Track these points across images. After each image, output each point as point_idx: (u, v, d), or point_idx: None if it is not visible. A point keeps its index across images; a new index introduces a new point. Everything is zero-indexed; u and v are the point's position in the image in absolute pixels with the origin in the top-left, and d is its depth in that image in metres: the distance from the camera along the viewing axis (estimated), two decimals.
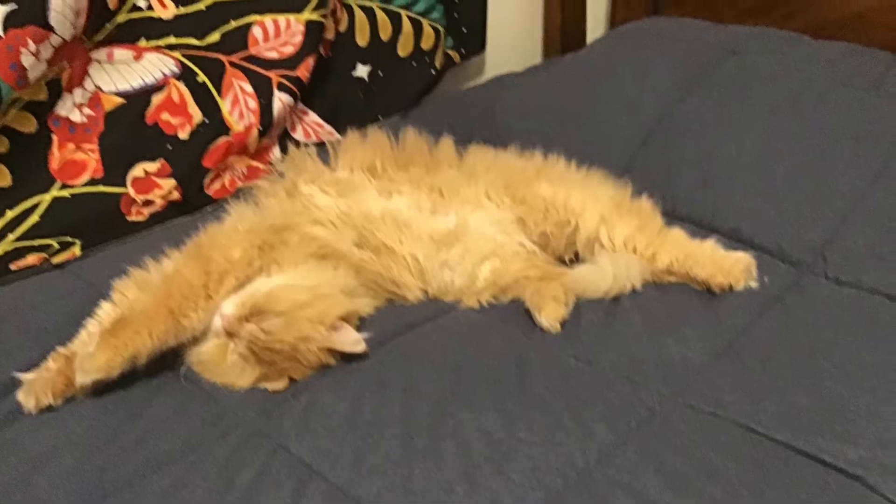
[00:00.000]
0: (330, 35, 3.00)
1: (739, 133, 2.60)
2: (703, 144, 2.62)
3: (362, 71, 3.14)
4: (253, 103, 2.78)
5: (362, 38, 3.10)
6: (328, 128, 3.05)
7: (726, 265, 2.22)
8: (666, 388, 1.90)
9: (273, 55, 2.81)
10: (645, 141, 2.72)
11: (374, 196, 2.30)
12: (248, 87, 2.78)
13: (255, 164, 2.86)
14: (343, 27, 3.06)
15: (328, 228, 2.20)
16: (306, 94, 2.96)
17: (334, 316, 1.97)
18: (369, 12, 3.10)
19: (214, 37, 2.72)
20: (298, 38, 2.81)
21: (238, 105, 2.77)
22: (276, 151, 2.93)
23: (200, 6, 2.69)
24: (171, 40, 2.66)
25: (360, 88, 3.15)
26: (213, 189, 2.76)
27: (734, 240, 2.40)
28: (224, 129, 2.75)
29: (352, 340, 1.97)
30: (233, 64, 2.76)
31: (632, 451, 1.74)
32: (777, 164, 2.49)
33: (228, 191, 2.78)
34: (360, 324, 2.10)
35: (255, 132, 2.79)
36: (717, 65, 2.85)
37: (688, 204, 2.52)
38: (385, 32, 3.15)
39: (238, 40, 2.77)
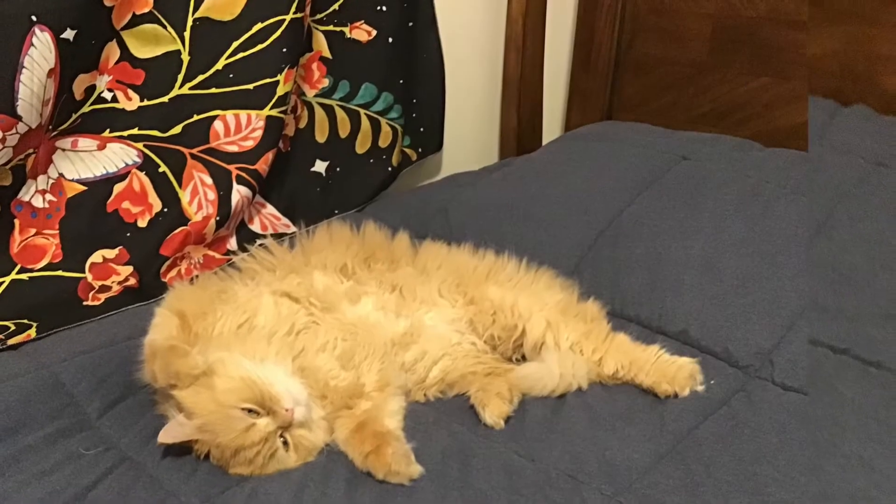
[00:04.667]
0: (290, 131, 3.05)
1: (688, 237, 2.61)
2: (652, 247, 2.63)
3: (320, 166, 3.18)
4: (212, 195, 2.81)
5: (321, 135, 3.15)
6: (285, 220, 3.08)
7: (670, 372, 2.21)
8: (608, 488, 1.89)
9: (233, 149, 2.84)
10: (595, 242, 2.73)
11: (346, 305, 2.29)
12: (208, 179, 2.81)
13: (211, 253, 2.89)
14: (303, 123, 3.10)
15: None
16: (264, 187, 3.00)
17: None
18: (329, 110, 3.15)
19: (177, 129, 2.76)
20: (259, 133, 2.85)
21: (197, 196, 2.80)
22: (232, 242, 2.95)
23: (164, 99, 2.73)
24: (135, 131, 2.70)
25: (317, 183, 3.19)
26: (169, 276, 2.77)
27: (682, 342, 2.39)
28: (183, 219, 2.78)
29: None
30: (194, 156, 2.79)
31: None
32: (725, 269, 2.50)
33: (184, 278, 2.78)
34: None
35: (212, 223, 2.81)
36: (668, 169, 2.89)
37: (636, 305, 2.53)
38: (344, 130, 3.19)
39: (200, 133, 2.81)
